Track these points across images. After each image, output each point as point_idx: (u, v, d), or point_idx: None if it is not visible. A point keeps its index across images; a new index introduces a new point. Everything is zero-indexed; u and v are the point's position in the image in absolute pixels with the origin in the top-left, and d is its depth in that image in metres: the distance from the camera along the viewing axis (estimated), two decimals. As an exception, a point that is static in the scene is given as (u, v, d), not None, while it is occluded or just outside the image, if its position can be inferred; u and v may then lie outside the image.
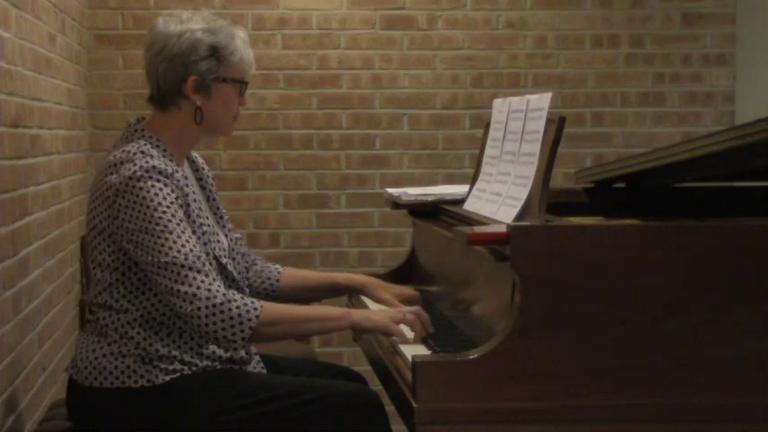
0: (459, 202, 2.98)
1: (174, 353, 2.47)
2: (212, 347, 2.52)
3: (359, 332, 2.62)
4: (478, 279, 2.60)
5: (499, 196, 2.63)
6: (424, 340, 2.50)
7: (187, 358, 2.48)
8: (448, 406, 2.13)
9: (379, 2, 4.85)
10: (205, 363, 2.51)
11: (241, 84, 2.60)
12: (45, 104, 3.53)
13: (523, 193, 2.47)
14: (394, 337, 2.51)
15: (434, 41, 4.89)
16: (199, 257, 2.40)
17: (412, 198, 3.19)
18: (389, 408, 2.45)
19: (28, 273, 3.17)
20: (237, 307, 2.38)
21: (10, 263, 2.93)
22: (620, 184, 3.18)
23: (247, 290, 2.71)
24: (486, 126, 2.97)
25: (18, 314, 3.02)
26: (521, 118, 2.63)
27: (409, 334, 2.51)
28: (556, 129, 2.42)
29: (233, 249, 2.70)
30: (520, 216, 2.45)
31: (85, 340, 2.55)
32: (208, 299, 2.37)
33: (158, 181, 2.42)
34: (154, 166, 2.43)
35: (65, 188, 3.91)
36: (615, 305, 2.17)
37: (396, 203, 3.26)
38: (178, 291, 2.38)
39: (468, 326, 2.60)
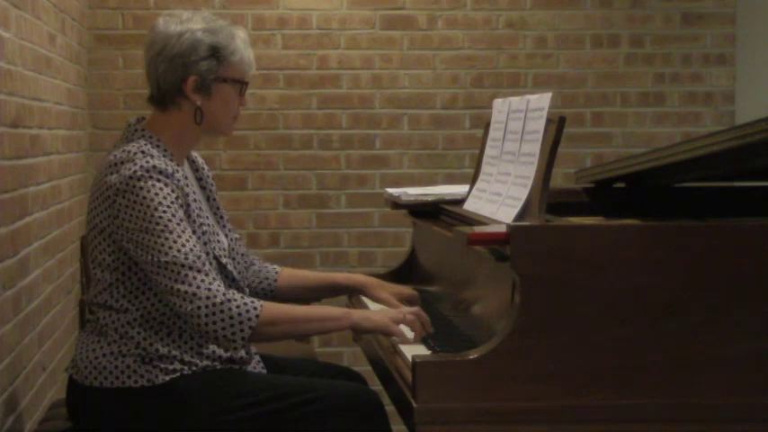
0: (459, 202, 2.98)
1: (174, 353, 2.47)
2: (212, 347, 2.52)
3: (359, 332, 2.62)
4: (478, 279, 2.60)
5: (499, 196, 2.63)
6: (424, 340, 2.50)
7: (187, 358, 2.48)
8: (448, 406, 2.13)
9: (379, 2, 4.85)
10: (205, 362, 2.51)
11: (241, 84, 2.61)
12: (45, 104, 3.54)
13: (523, 193, 2.47)
14: (394, 337, 2.51)
15: (434, 41, 4.89)
16: (199, 257, 2.40)
17: (412, 198, 3.19)
18: (389, 408, 2.45)
19: (28, 273, 3.17)
20: (237, 306, 2.38)
21: (10, 263, 2.93)
22: (620, 184, 3.18)
23: (247, 290, 2.71)
24: (486, 126, 2.97)
25: (18, 314, 3.02)
26: (521, 118, 2.63)
27: (409, 334, 2.51)
28: (556, 129, 2.42)
29: (233, 249, 2.70)
30: (520, 216, 2.45)
31: (85, 340, 2.55)
32: (208, 298, 2.37)
33: (159, 181, 2.42)
34: (154, 166, 2.43)
35: (65, 188, 3.91)
36: (615, 305, 2.17)
37: (396, 203, 3.26)
38: (178, 290, 2.38)
39: (468, 326, 2.60)
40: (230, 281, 2.59)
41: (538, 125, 2.50)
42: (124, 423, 2.47)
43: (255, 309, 2.39)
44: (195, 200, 2.54)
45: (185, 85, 2.54)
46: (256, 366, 2.66)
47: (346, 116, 4.87)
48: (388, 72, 4.87)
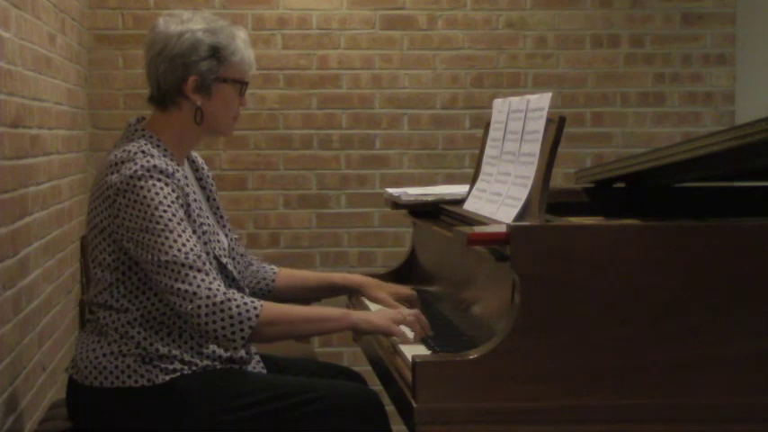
0: (459, 202, 2.98)
1: (174, 352, 2.48)
2: (212, 347, 2.52)
3: (358, 333, 2.62)
4: (478, 279, 2.60)
5: (499, 196, 2.63)
6: (424, 340, 2.50)
7: (187, 358, 2.48)
8: (448, 406, 2.13)
9: (379, 2, 4.85)
10: (205, 362, 2.51)
11: (241, 84, 2.61)
12: (45, 104, 3.54)
13: (523, 193, 2.47)
14: (394, 337, 2.51)
15: (434, 41, 4.89)
16: (199, 256, 2.40)
17: (412, 198, 3.19)
18: (389, 408, 2.45)
19: (28, 273, 3.17)
20: (237, 306, 2.38)
21: (10, 263, 2.93)
22: (620, 184, 3.18)
23: (247, 290, 2.71)
24: (486, 126, 2.97)
25: (18, 314, 3.02)
26: (521, 118, 2.63)
27: (409, 334, 2.51)
28: (556, 129, 2.42)
29: (233, 249, 2.70)
30: (520, 216, 2.45)
31: (85, 340, 2.55)
32: (208, 297, 2.37)
33: (159, 180, 2.43)
34: (155, 166, 2.43)
35: (65, 188, 3.91)
36: (615, 305, 2.17)
37: (396, 203, 3.26)
38: (178, 289, 2.38)
39: (468, 326, 2.60)
40: (230, 281, 2.59)
41: (538, 125, 2.50)
42: (124, 423, 2.47)
43: (255, 309, 2.39)
44: (195, 200, 2.54)
45: (185, 85, 2.54)
46: (256, 366, 2.66)
47: (346, 116, 4.87)
48: (388, 72, 4.87)
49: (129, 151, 2.47)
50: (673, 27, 4.99)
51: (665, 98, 5.01)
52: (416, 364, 2.13)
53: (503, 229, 2.21)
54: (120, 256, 2.48)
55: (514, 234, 2.17)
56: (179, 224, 2.41)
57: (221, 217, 2.72)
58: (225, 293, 2.39)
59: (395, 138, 4.89)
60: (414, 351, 2.34)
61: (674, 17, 4.99)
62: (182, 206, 2.46)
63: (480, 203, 2.77)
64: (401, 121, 4.89)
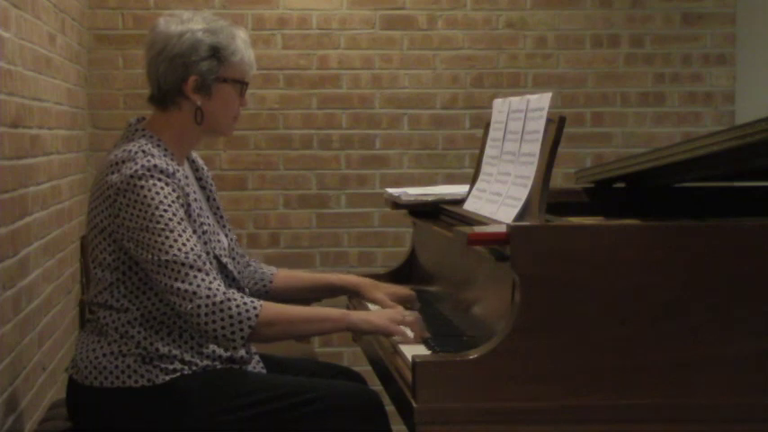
0: (459, 202, 2.98)
1: (174, 352, 2.48)
2: (212, 347, 2.52)
3: (358, 333, 2.62)
4: (478, 279, 2.60)
5: (499, 196, 2.63)
6: (424, 340, 2.50)
7: (187, 358, 2.48)
8: (448, 406, 2.13)
9: (379, 2, 4.85)
10: (205, 362, 2.51)
11: (241, 84, 2.61)
12: (45, 104, 3.54)
13: (523, 193, 2.47)
14: (394, 337, 2.51)
15: (434, 41, 4.89)
16: (199, 256, 2.40)
17: (412, 198, 3.19)
18: (389, 408, 2.45)
19: (28, 273, 3.17)
20: (237, 306, 2.38)
21: (10, 263, 2.93)
22: (620, 184, 3.18)
23: (247, 290, 2.71)
24: (486, 126, 2.97)
25: (18, 314, 3.02)
26: (521, 118, 2.63)
27: (409, 334, 2.51)
28: (556, 129, 2.42)
29: (233, 249, 2.70)
30: (520, 216, 2.45)
31: (86, 340, 2.55)
32: (208, 297, 2.37)
33: (159, 180, 2.43)
34: (155, 165, 2.43)
35: (65, 188, 3.91)
36: (615, 305, 2.17)
37: (396, 203, 3.26)
38: (178, 289, 2.38)
39: (468, 326, 2.60)
40: (230, 280, 2.59)
41: (538, 125, 2.50)
42: (124, 423, 2.47)
43: (255, 308, 2.39)
44: (195, 200, 2.54)
45: (186, 85, 2.54)
46: (256, 366, 2.66)
47: (346, 116, 4.87)
48: (388, 72, 4.87)
49: (130, 151, 2.47)
50: (673, 27, 4.99)
51: (665, 98, 5.01)
52: (416, 364, 2.13)
53: (503, 229, 2.21)
54: (121, 255, 2.48)
55: (514, 234, 2.17)
56: (179, 224, 2.41)
57: (221, 217, 2.72)
58: (225, 293, 2.39)
59: (395, 138, 4.89)
60: (414, 351, 2.34)
61: (674, 17, 4.99)
62: (182, 206, 2.46)
63: (480, 203, 2.77)
64: (401, 121, 4.89)
